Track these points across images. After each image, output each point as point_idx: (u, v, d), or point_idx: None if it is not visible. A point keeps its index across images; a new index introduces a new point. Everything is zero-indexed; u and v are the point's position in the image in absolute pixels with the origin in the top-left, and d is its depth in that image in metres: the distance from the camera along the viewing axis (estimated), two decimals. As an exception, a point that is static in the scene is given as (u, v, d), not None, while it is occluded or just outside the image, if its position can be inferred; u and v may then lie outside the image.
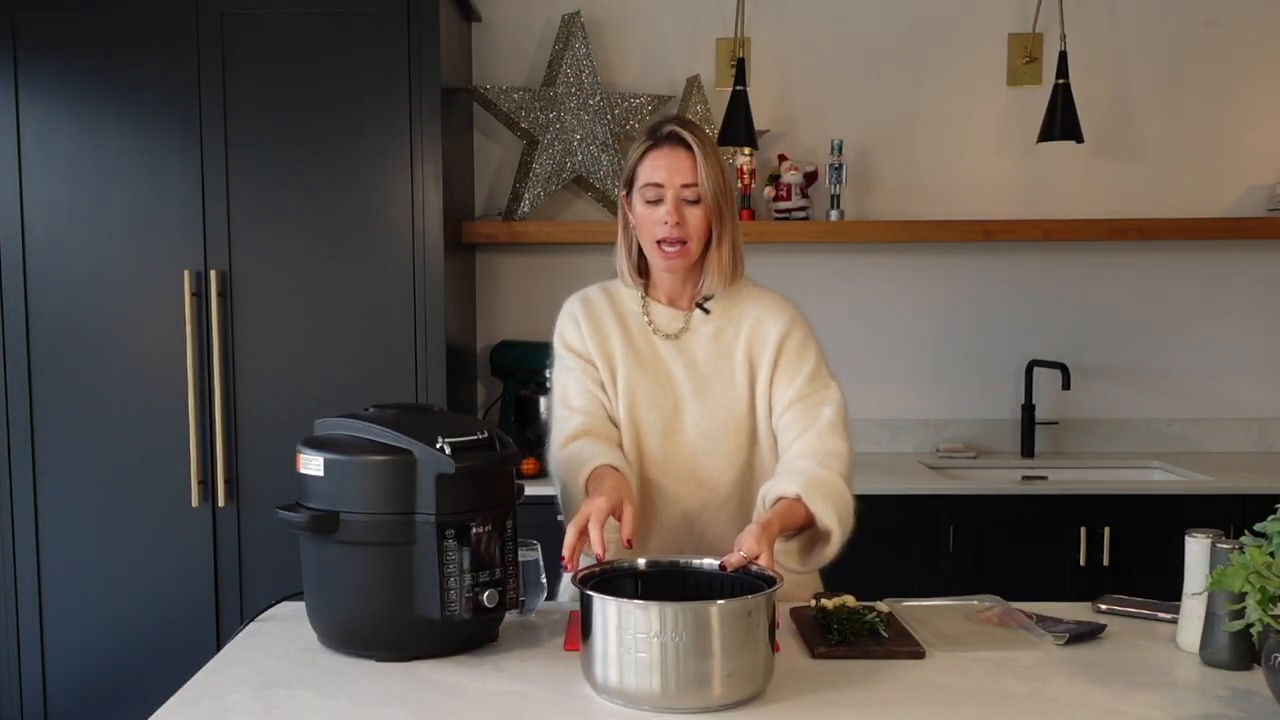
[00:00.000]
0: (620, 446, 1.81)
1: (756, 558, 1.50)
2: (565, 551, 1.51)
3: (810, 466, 1.72)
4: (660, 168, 1.76)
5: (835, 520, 1.68)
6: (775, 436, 1.83)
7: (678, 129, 1.77)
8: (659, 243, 1.77)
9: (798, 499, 1.67)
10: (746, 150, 3.30)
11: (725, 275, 1.82)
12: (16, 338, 2.91)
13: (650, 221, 1.77)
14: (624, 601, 1.36)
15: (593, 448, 1.75)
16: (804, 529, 1.70)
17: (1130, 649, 1.60)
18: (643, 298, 1.87)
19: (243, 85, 2.86)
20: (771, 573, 1.47)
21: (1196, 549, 1.55)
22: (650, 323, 1.86)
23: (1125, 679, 1.48)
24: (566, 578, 1.93)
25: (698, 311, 1.86)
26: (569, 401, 1.84)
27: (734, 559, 1.51)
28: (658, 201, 1.76)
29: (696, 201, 1.76)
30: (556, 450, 1.82)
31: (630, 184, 1.81)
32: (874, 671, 1.50)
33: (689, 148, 1.76)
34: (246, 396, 2.92)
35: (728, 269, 1.82)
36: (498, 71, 3.44)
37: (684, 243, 1.77)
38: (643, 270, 1.88)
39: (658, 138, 1.78)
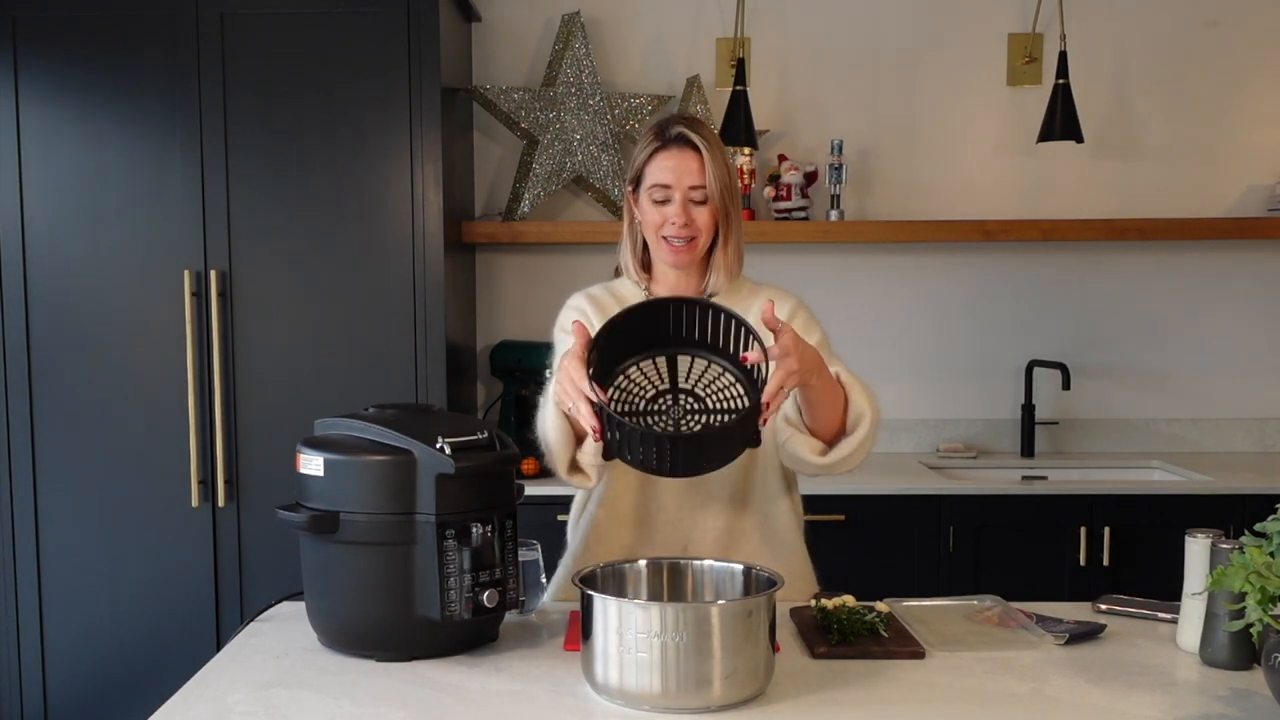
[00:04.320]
0: None
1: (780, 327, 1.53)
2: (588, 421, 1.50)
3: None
4: (669, 170, 1.77)
5: (867, 405, 1.69)
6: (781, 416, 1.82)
7: (685, 130, 1.78)
8: (665, 238, 1.79)
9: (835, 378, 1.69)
10: (746, 150, 3.31)
11: (731, 272, 1.85)
12: (16, 337, 2.91)
13: (657, 220, 1.79)
14: (624, 601, 1.36)
15: None
16: (829, 437, 1.71)
17: (1130, 649, 1.60)
18: (646, 295, 1.88)
19: (243, 85, 2.86)
20: (771, 573, 1.47)
21: (1196, 549, 1.55)
22: None
23: (1125, 679, 1.48)
24: (556, 578, 1.93)
25: None
26: None
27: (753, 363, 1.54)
28: (665, 201, 1.78)
29: (704, 202, 1.78)
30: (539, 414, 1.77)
31: (637, 182, 1.82)
32: (874, 671, 1.50)
33: (696, 149, 1.77)
34: (246, 396, 2.92)
35: (733, 266, 1.85)
36: (498, 71, 3.44)
37: (692, 239, 1.79)
38: (645, 266, 1.89)
39: (666, 139, 1.79)
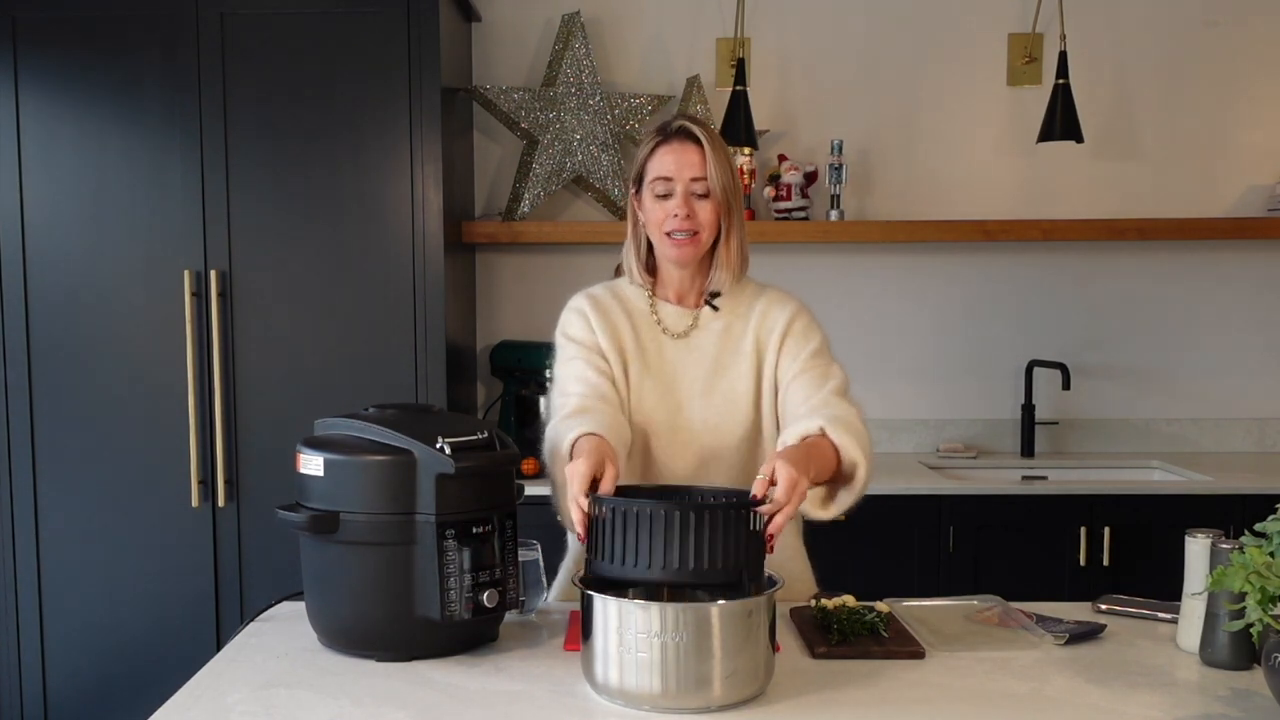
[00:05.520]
0: (614, 421, 1.76)
1: (780, 510, 1.42)
2: (578, 529, 1.44)
3: (826, 409, 1.71)
4: (669, 162, 1.78)
5: (860, 454, 1.66)
6: (779, 419, 1.82)
7: (686, 124, 1.80)
8: (669, 233, 1.78)
9: (822, 434, 1.65)
10: (746, 150, 3.31)
11: (734, 270, 1.84)
12: (16, 338, 2.91)
13: (660, 215, 1.79)
14: (624, 601, 1.36)
15: (578, 420, 1.67)
16: (825, 481, 1.69)
17: (1130, 649, 1.60)
18: (650, 297, 1.87)
19: (243, 85, 2.86)
20: (770, 573, 1.47)
21: (1196, 549, 1.55)
22: (659, 322, 1.86)
23: (1125, 679, 1.48)
24: (558, 580, 1.93)
25: (706, 309, 1.86)
26: (566, 389, 1.81)
27: (761, 496, 1.42)
28: (667, 195, 1.78)
29: (706, 195, 1.78)
30: (548, 432, 1.77)
31: (639, 181, 1.83)
32: (874, 671, 1.50)
33: (698, 142, 1.78)
34: (246, 396, 2.92)
35: (736, 264, 1.84)
36: (498, 71, 3.44)
37: (695, 233, 1.78)
38: (650, 269, 1.89)
39: (666, 133, 1.80)
